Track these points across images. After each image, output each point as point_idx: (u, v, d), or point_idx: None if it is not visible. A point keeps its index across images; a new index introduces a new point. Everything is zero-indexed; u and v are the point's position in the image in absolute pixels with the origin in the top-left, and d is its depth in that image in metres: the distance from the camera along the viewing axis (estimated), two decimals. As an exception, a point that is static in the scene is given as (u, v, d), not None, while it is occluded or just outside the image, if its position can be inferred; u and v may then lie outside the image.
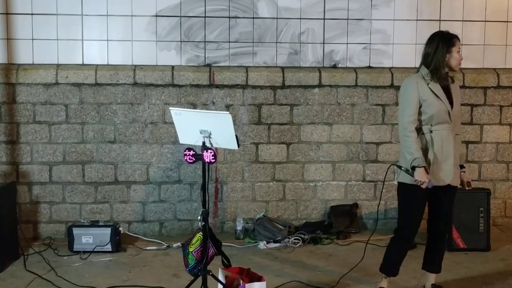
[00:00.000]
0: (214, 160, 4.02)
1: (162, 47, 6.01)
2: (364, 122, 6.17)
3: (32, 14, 5.84)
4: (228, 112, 4.01)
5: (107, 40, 5.96)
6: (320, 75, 6.08)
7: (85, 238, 5.51)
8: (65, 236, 5.76)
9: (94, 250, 5.46)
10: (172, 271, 5.07)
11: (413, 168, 4.07)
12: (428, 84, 4.16)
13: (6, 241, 5.17)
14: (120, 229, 5.63)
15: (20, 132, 5.87)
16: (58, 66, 5.88)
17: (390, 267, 4.45)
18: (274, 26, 6.10)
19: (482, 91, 6.28)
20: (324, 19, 6.14)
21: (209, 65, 6.04)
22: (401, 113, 4.22)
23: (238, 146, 4.12)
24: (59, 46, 5.89)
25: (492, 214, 5.89)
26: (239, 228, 5.94)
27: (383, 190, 6.13)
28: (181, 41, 6.02)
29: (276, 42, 6.12)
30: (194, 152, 4.09)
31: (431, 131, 4.17)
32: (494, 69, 6.31)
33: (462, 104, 6.16)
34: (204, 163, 4.08)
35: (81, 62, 5.95)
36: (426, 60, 4.22)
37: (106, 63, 5.97)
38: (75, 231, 5.52)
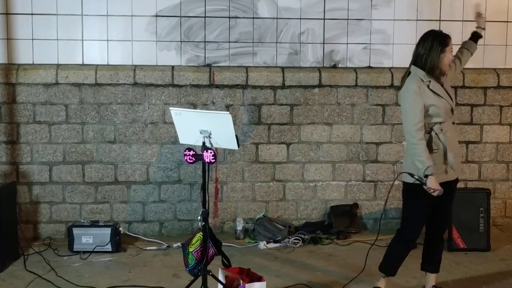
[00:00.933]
0: (214, 160, 4.02)
1: (162, 47, 6.01)
2: (364, 122, 6.17)
3: (32, 14, 5.84)
4: (228, 112, 4.02)
5: (107, 40, 5.95)
6: (320, 75, 6.08)
7: (85, 238, 5.51)
8: (65, 236, 5.76)
9: (94, 250, 5.46)
10: (172, 271, 5.07)
11: (426, 176, 4.04)
12: (428, 86, 4.09)
13: (6, 241, 5.17)
14: (120, 229, 5.63)
15: (20, 132, 5.86)
16: (58, 66, 5.87)
17: (389, 267, 4.45)
18: (274, 26, 6.10)
19: (482, 91, 6.27)
20: (324, 19, 6.14)
21: (209, 65, 6.04)
22: (408, 121, 4.10)
23: (238, 146, 4.12)
24: (59, 46, 5.89)
25: (492, 214, 5.88)
26: (239, 228, 5.93)
27: (384, 191, 6.16)
28: (181, 41, 6.02)
29: (276, 42, 6.12)
30: (194, 152, 4.10)
31: (441, 130, 4.13)
32: (494, 69, 6.31)
33: (462, 104, 6.21)
34: (204, 163, 4.09)
35: (81, 62, 5.95)
36: (420, 60, 4.11)
37: (106, 63, 5.97)
38: (75, 231, 5.52)
